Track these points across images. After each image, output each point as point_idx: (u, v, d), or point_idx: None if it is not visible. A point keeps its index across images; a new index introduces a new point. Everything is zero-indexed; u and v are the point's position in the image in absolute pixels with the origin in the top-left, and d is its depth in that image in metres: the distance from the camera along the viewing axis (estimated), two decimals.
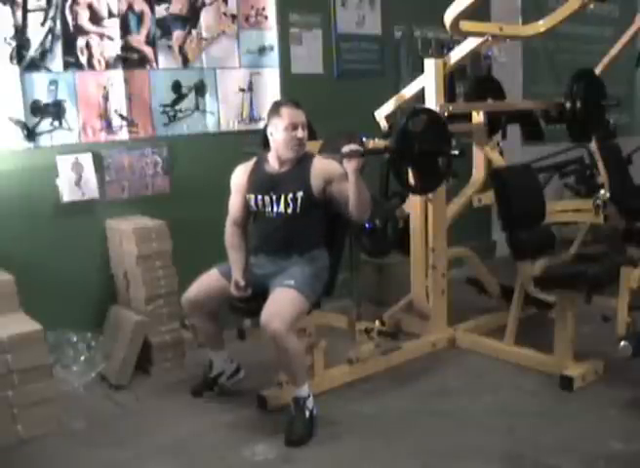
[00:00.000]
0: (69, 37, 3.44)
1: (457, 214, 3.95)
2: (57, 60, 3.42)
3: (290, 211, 2.90)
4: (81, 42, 3.48)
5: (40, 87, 3.39)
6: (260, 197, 2.95)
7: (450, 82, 3.85)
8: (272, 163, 2.98)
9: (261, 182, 2.96)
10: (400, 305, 3.91)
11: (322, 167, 2.90)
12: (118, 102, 3.62)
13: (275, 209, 2.92)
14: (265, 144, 3.41)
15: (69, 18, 3.43)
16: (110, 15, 3.54)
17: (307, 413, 2.76)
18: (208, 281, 2.99)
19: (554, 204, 4.00)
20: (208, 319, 3.04)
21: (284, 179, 2.91)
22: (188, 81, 3.86)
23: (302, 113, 2.90)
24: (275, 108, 2.93)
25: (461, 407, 3.00)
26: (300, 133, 2.87)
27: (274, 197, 2.91)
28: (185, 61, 3.83)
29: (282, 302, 2.73)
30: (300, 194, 2.87)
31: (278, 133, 2.89)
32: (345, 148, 2.68)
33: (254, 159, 3.07)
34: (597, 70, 4.30)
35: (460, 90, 4.75)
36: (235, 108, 4.04)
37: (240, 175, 3.04)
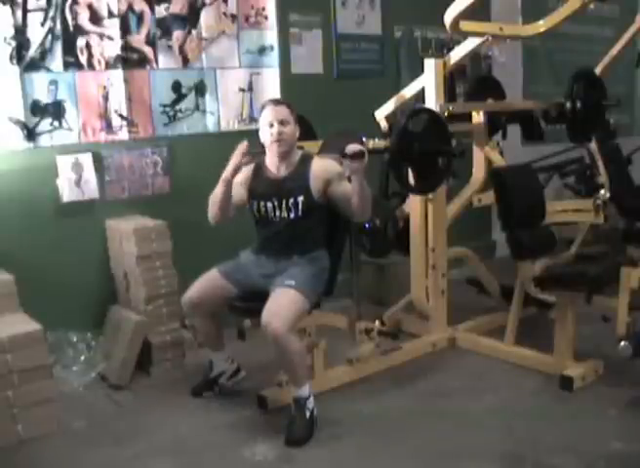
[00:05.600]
0: (69, 37, 3.44)
1: (457, 214, 3.95)
2: (57, 60, 3.42)
3: (292, 215, 2.90)
4: (81, 42, 3.48)
5: (40, 87, 3.39)
6: (262, 204, 2.95)
7: (450, 82, 3.85)
8: (271, 167, 2.98)
9: (263, 189, 2.95)
10: (400, 305, 3.91)
11: (321, 168, 2.90)
12: (118, 102, 3.62)
13: (278, 213, 2.93)
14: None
15: (69, 18, 3.43)
16: (110, 15, 3.55)
17: (308, 414, 2.76)
18: (208, 281, 2.99)
19: (554, 204, 3.99)
20: (208, 319, 3.04)
21: (284, 184, 2.91)
22: (188, 81, 3.86)
23: (283, 109, 2.90)
24: (260, 111, 2.98)
25: (461, 407, 3.00)
26: (276, 128, 2.86)
27: (276, 203, 2.92)
28: (185, 61, 3.83)
29: (283, 302, 2.73)
30: (300, 199, 2.88)
31: (261, 133, 2.94)
32: (349, 148, 2.67)
33: (252, 165, 3.04)
34: (597, 70, 4.29)
35: (460, 90, 4.75)
36: (235, 108, 4.04)
37: (240, 175, 3.02)
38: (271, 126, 2.87)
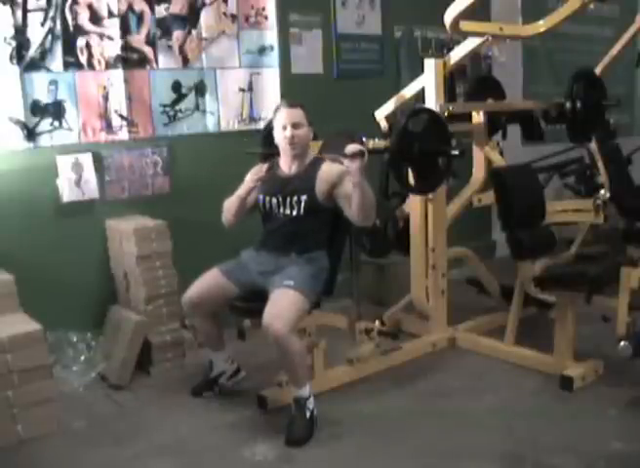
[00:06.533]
0: (69, 37, 3.44)
1: (457, 214, 3.95)
2: (57, 60, 3.42)
3: (294, 212, 2.93)
4: (81, 42, 3.48)
5: (40, 87, 3.39)
6: (268, 199, 2.99)
7: (450, 82, 3.85)
8: (283, 166, 3.03)
9: (271, 185, 2.99)
10: (400, 305, 3.91)
11: (328, 172, 2.92)
12: (118, 102, 3.62)
13: (281, 210, 2.96)
14: (265, 144, 3.43)
15: (69, 18, 3.43)
16: (110, 15, 3.54)
17: (308, 414, 2.76)
18: (209, 280, 3.00)
19: (554, 204, 3.99)
20: (208, 319, 3.04)
21: (292, 182, 2.96)
22: (188, 81, 3.86)
23: (297, 111, 2.94)
24: (274, 111, 3.02)
25: (461, 407, 3.00)
26: (289, 131, 2.90)
27: (281, 199, 2.96)
28: (185, 61, 3.83)
29: (283, 303, 2.73)
30: (304, 197, 2.91)
31: (275, 134, 2.98)
32: (349, 148, 2.69)
33: (265, 164, 3.10)
34: (597, 70, 4.29)
35: (460, 90, 4.75)
36: (235, 108, 4.04)
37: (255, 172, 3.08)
38: (284, 128, 2.91)
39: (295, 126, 2.91)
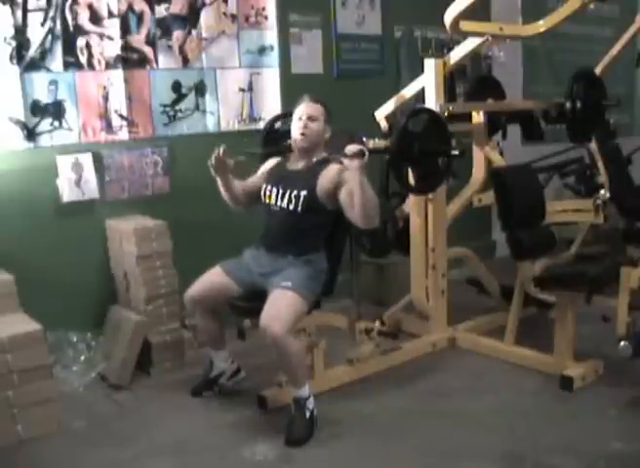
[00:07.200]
0: (69, 37, 3.44)
1: (457, 214, 3.95)
2: (57, 60, 3.42)
3: (292, 207, 2.93)
4: (81, 42, 3.48)
5: (40, 87, 3.39)
6: (269, 188, 3.01)
7: (450, 82, 3.85)
8: (292, 161, 3.06)
9: (276, 175, 3.03)
10: (400, 305, 3.91)
11: (334, 172, 2.90)
12: (118, 102, 3.62)
13: (279, 202, 2.96)
14: (265, 144, 3.44)
15: (69, 18, 3.42)
16: (110, 15, 3.54)
17: (308, 414, 2.76)
18: (211, 278, 3.01)
19: (554, 204, 3.99)
20: (210, 317, 3.04)
21: (295, 177, 2.97)
22: (188, 81, 3.86)
23: (317, 107, 2.97)
24: (296, 104, 3.04)
25: (461, 407, 3.00)
26: (303, 122, 2.93)
27: (280, 191, 2.96)
28: (185, 61, 3.83)
29: (281, 305, 2.73)
30: (303, 193, 2.90)
31: (292, 125, 3.00)
32: (349, 148, 2.69)
33: (277, 159, 3.14)
34: (597, 70, 4.29)
35: (460, 90, 4.75)
36: (235, 108, 4.04)
37: (267, 165, 3.15)
38: (300, 119, 2.95)
39: (310, 118, 2.94)
